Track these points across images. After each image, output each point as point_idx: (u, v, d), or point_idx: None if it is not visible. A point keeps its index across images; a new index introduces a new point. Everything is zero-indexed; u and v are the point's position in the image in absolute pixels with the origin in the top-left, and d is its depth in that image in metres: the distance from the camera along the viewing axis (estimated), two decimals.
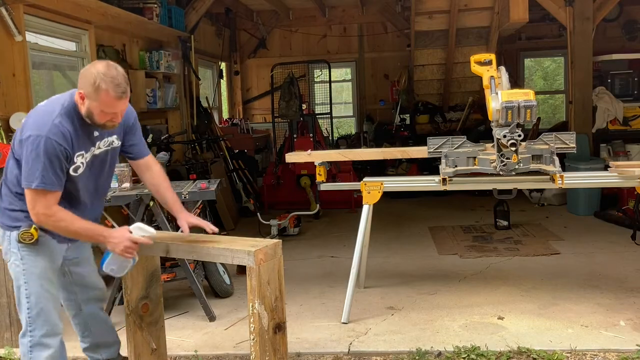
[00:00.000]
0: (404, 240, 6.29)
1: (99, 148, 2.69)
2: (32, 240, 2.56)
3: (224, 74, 11.05)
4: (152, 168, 2.94)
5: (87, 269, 2.93)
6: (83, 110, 2.52)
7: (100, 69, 2.47)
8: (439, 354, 3.51)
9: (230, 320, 4.17)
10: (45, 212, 2.49)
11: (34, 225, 2.56)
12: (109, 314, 4.12)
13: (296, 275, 5.12)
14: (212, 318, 4.18)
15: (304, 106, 8.54)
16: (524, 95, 3.50)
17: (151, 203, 4.06)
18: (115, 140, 2.76)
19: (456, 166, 3.94)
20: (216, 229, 2.76)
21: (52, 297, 2.68)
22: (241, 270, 5.05)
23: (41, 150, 2.41)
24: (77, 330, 2.97)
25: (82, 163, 2.59)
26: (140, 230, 2.63)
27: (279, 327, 2.63)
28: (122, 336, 3.29)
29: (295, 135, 8.17)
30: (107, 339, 3.03)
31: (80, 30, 5.63)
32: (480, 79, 3.87)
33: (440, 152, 4.01)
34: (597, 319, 3.88)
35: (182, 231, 2.83)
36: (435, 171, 4.32)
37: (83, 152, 2.59)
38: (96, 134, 2.64)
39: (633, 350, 3.41)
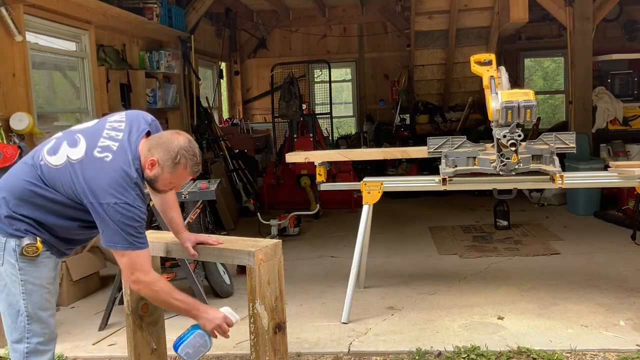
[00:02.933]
0: (404, 240, 6.29)
1: None
2: (35, 255, 2.49)
3: (224, 74, 11.05)
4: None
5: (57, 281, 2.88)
6: (149, 175, 2.45)
7: (182, 144, 2.42)
8: (439, 354, 3.51)
9: None
10: (145, 280, 2.45)
11: (39, 238, 2.50)
12: (109, 314, 4.13)
13: (296, 275, 5.12)
14: None
15: (304, 106, 8.54)
16: (524, 95, 3.50)
17: (151, 203, 4.06)
18: None
19: (456, 166, 3.94)
20: (221, 242, 2.72)
21: (51, 305, 2.61)
22: (241, 270, 5.05)
23: (131, 216, 2.36)
24: None
25: None
26: (229, 314, 2.59)
27: (279, 327, 2.63)
28: (122, 336, 3.30)
29: (295, 135, 8.17)
30: None
31: (80, 30, 5.63)
32: (480, 79, 3.87)
33: (440, 152, 4.01)
34: (597, 319, 3.88)
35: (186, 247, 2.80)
36: (435, 171, 4.32)
37: None
38: None
39: (633, 350, 3.41)
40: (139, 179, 2.42)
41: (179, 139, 2.44)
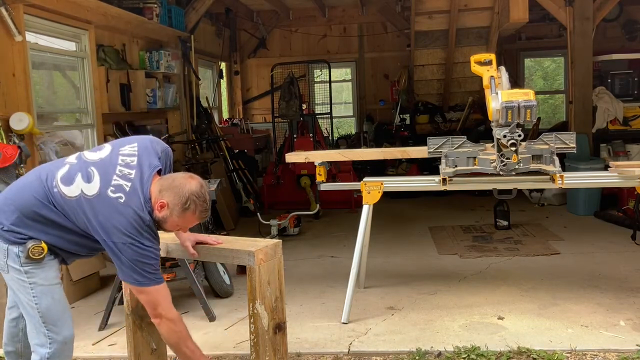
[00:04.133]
0: (404, 240, 6.29)
1: None
2: (41, 256, 2.51)
3: (224, 74, 11.05)
4: None
5: None
6: (158, 215, 2.49)
7: (193, 189, 2.47)
8: (439, 354, 3.51)
9: (230, 320, 4.17)
10: (168, 316, 2.54)
11: (43, 240, 2.52)
12: (109, 314, 4.13)
13: (296, 275, 5.12)
14: (212, 318, 4.18)
15: (304, 106, 8.54)
16: (524, 95, 3.50)
17: None
18: None
19: (456, 166, 3.93)
20: (221, 241, 2.73)
21: (64, 307, 2.64)
22: (241, 270, 5.05)
23: (145, 255, 2.44)
24: (9, 332, 2.82)
25: None
26: None
27: (279, 327, 2.63)
28: (122, 336, 3.30)
29: (295, 135, 8.17)
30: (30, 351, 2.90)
31: (80, 30, 5.63)
32: (480, 79, 3.87)
33: (440, 152, 4.01)
34: (597, 319, 3.88)
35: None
36: (435, 171, 4.32)
37: None
38: None
39: (633, 350, 3.41)
40: (151, 221, 2.48)
41: (191, 184, 2.48)
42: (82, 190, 2.49)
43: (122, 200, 2.44)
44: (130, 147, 2.62)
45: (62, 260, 2.67)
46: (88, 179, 2.50)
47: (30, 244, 2.49)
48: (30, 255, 2.49)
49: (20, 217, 2.52)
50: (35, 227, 2.52)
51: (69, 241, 2.57)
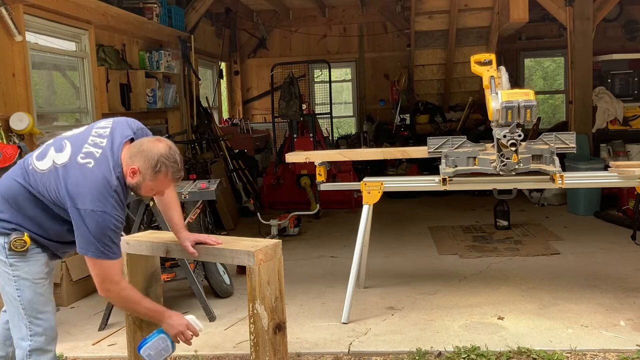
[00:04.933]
0: (404, 240, 6.29)
1: None
2: (24, 249, 2.52)
3: (224, 74, 11.05)
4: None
5: None
6: (131, 182, 2.49)
7: (162, 151, 2.45)
8: (439, 354, 3.51)
9: (230, 320, 4.17)
10: (115, 289, 2.51)
11: (26, 233, 2.53)
12: (109, 314, 4.13)
13: (296, 275, 5.12)
14: (212, 318, 4.18)
15: (304, 106, 8.54)
16: (524, 95, 3.50)
17: (151, 203, 4.06)
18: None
19: (456, 166, 3.94)
20: (220, 242, 2.74)
21: (47, 300, 2.64)
22: (241, 270, 5.05)
23: (107, 225, 2.41)
24: (2, 334, 2.82)
25: None
26: (193, 322, 2.67)
27: (279, 327, 2.63)
28: (122, 336, 3.30)
29: (295, 135, 8.17)
30: None
31: (80, 30, 5.63)
32: (480, 79, 3.87)
33: (440, 152, 4.01)
34: (597, 319, 3.88)
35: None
36: (435, 171, 4.32)
37: None
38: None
39: (633, 350, 3.41)
40: (120, 186, 2.46)
41: (159, 147, 2.46)
42: (53, 161, 2.51)
43: (90, 166, 2.44)
44: (105, 122, 2.65)
45: (53, 255, 2.67)
46: (60, 150, 2.53)
47: (13, 236, 2.51)
48: (13, 247, 2.51)
49: (3, 203, 2.55)
50: (18, 212, 2.54)
51: (48, 218, 2.56)
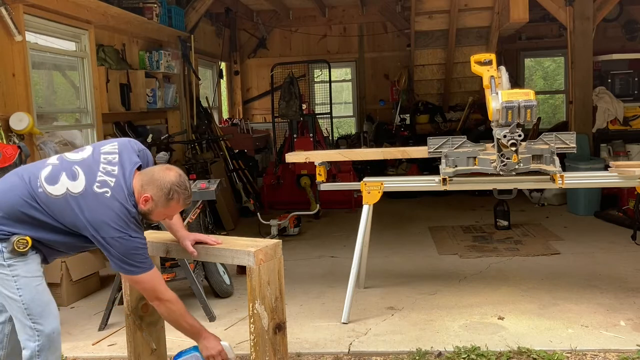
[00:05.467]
0: (404, 240, 6.29)
1: None
2: (26, 249, 2.58)
3: (224, 74, 11.05)
4: None
5: None
6: (143, 209, 2.59)
7: (173, 180, 2.57)
8: (439, 354, 3.51)
9: (230, 320, 4.17)
10: (165, 298, 2.65)
11: (27, 235, 2.58)
12: (109, 314, 4.13)
13: (296, 275, 5.11)
14: (212, 318, 4.18)
15: (304, 106, 8.54)
16: (524, 95, 3.50)
17: None
18: None
19: (456, 166, 3.93)
20: (220, 242, 2.76)
21: (49, 299, 2.68)
22: (241, 270, 5.05)
23: (133, 246, 2.53)
24: None
25: None
26: (227, 349, 2.79)
27: (279, 327, 2.63)
28: (122, 336, 3.29)
29: (295, 135, 8.17)
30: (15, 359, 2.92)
31: (80, 30, 5.63)
32: (480, 79, 3.87)
33: (440, 152, 4.00)
34: (597, 319, 3.88)
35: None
36: (435, 171, 4.32)
37: None
38: None
39: (633, 350, 3.41)
40: (136, 213, 2.57)
41: (170, 175, 2.58)
42: (67, 189, 2.56)
43: (108, 195, 2.53)
44: (110, 146, 2.72)
45: (44, 259, 2.73)
46: (73, 177, 2.58)
47: (15, 237, 2.56)
48: (15, 247, 2.56)
49: (4, 217, 2.58)
50: (20, 226, 2.58)
51: (54, 239, 2.63)
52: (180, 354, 2.80)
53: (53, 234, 2.61)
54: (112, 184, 2.55)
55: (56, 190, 2.56)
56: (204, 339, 2.75)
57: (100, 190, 2.53)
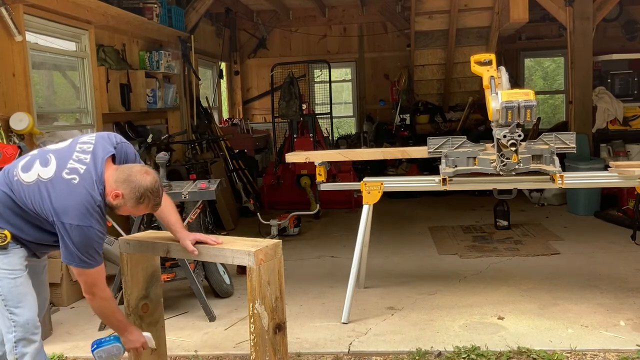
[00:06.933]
0: (404, 240, 6.29)
1: None
2: (4, 243, 2.62)
3: (224, 74, 11.05)
4: None
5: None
6: (112, 202, 2.60)
7: (148, 185, 2.57)
8: (439, 354, 3.51)
9: (230, 320, 4.17)
10: (102, 296, 2.69)
11: (7, 229, 2.62)
12: None
13: (296, 275, 5.12)
14: (212, 318, 4.18)
15: (304, 106, 8.54)
16: (524, 95, 3.50)
17: None
18: None
19: (456, 166, 3.93)
20: (220, 241, 2.76)
21: (27, 291, 2.71)
22: (241, 270, 5.05)
23: (92, 238, 2.54)
24: None
25: None
26: (149, 340, 2.87)
27: (279, 327, 2.63)
28: None
29: (295, 135, 8.17)
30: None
31: (80, 30, 5.63)
32: (480, 79, 3.87)
33: (440, 152, 4.01)
34: (597, 319, 3.88)
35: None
36: (435, 171, 4.32)
37: None
38: None
39: (633, 350, 3.41)
40: (102, 202, 2.58)
41: (147, 180, 2.58)
42: (38, 175, 2.59)
43: (75, 182, 2.55)
44: (88, 137, 2.75)
45: (32, 253, 2.76)
46: (45, 164, 2.62)
47: None
48: None
49: None
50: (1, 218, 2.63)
51: (29, 230, 2.66)
52: (100, 343, 2.77)
53: (27, 225, 2.64)
54: (82, 172, 2.57)
55: (29, 177, 2.60)
56: (129, 333, 2.78)
57: (69, 177, 2.55)
